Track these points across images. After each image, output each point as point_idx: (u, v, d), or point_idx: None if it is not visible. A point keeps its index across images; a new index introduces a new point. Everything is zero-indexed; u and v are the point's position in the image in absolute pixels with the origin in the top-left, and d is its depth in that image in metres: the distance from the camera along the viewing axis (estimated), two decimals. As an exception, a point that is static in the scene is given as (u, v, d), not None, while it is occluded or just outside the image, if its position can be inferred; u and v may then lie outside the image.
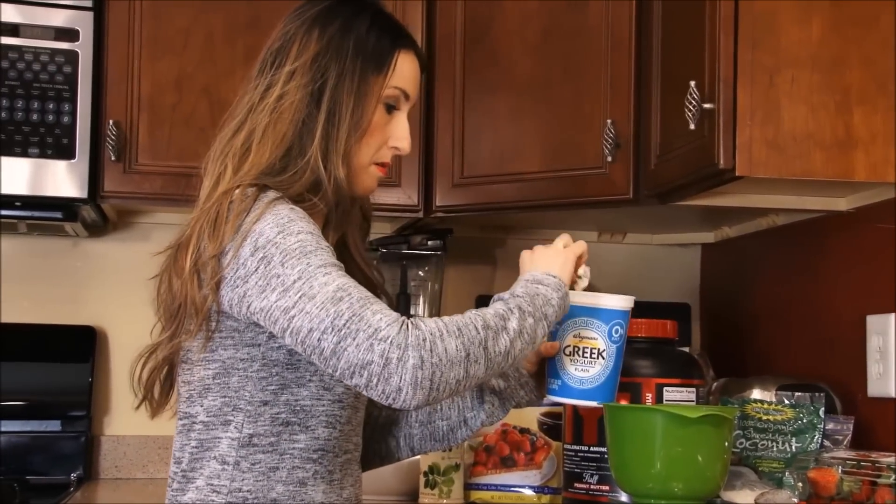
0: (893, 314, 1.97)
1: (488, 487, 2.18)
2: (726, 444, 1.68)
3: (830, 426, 1.96)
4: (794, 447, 1.95)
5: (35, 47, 2.28)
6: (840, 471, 1.76)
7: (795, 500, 1.78)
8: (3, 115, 2.25)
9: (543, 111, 2.30)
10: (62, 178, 2.27)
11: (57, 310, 2.58)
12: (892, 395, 1.97)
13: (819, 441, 1.94)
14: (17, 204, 2.29)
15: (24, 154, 2.26)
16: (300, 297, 1.27)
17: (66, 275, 2.62)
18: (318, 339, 1.26)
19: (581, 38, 2.25)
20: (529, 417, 2.21)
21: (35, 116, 2.26)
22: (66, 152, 2.27)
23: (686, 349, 2.12)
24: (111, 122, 2.31)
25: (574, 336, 1.48)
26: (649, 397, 1.96)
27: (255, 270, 1.31)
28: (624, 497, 1.92)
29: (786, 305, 2.37)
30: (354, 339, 1.25)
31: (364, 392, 1.27)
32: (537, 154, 2.31)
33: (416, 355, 1.24)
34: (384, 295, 1.51)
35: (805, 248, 2.29)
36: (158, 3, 2.36)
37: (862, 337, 2.05)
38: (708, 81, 1.86)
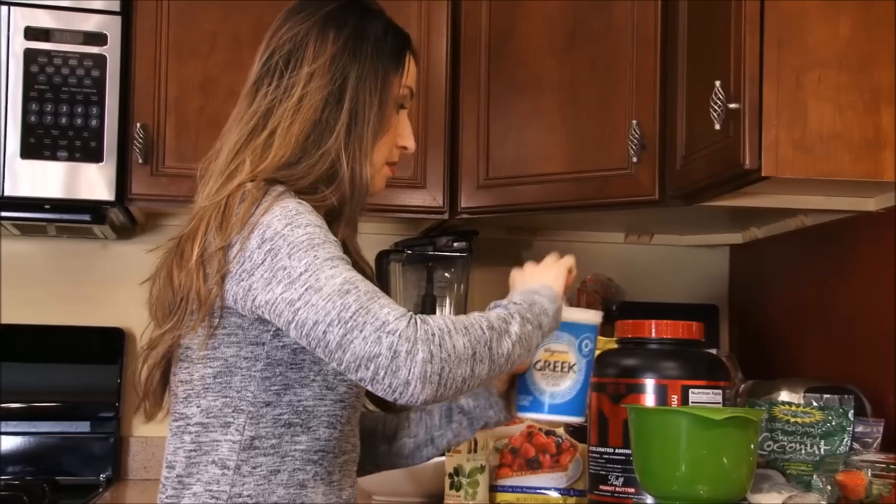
0: (923, 315, 1.95)
1: (513, 489, 2.18)
2: (752, 446, 1.66)
3: (860, 429, 1.94)
4: (822, 450, 1.93)
5: (64, 52, 2.29)
6: (869, 474, 1.74)
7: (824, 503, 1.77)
8: (33, 118, 2.27)
9: (568, 112, 2.29)
10: (91, 181, 2.29)
11: (86, 312, 2.60)
12: (923, 397, 1.95)
13: (848, 444, 1.92)
14: (47, 207, 2.31)
15: (53, 157, 2.27)
16: (306, 290, 1.26)
17: (94, 277, 2.63)
18: (324, 332, 1.24)
19: (606, 38, 2.24)
20: (555, 419, 2.20)
21: (64, 120, 2.28)
22: (94, 155, 2.29)
23: (714, 351, 2.10)
24: (139, 125, 2.33)
25: (545, 350, 1.48)
26: (675, 399, 1.94)
27: (262, 263, 1.30)
28: (649, 499, 1.90)
29: (815, 306, 2.35)
30: (361, 331, 1.22)
31: (369, 386, 1.24)
32: (562, 155, 2.30)
33: (425, 349, 1.23)
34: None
35: (834, 249, 2.27)
36: (185, 6, 2.37)
37: (892, 338, 2.02)
38: (733, 81, 1.85)
